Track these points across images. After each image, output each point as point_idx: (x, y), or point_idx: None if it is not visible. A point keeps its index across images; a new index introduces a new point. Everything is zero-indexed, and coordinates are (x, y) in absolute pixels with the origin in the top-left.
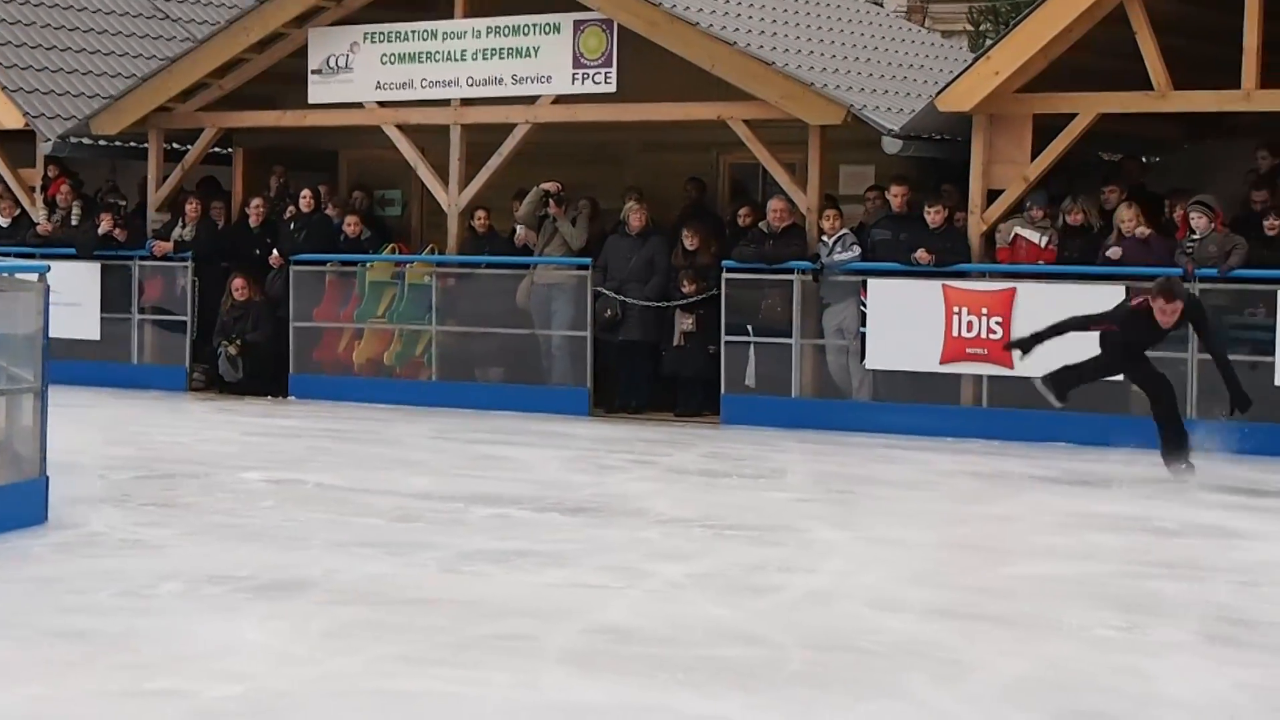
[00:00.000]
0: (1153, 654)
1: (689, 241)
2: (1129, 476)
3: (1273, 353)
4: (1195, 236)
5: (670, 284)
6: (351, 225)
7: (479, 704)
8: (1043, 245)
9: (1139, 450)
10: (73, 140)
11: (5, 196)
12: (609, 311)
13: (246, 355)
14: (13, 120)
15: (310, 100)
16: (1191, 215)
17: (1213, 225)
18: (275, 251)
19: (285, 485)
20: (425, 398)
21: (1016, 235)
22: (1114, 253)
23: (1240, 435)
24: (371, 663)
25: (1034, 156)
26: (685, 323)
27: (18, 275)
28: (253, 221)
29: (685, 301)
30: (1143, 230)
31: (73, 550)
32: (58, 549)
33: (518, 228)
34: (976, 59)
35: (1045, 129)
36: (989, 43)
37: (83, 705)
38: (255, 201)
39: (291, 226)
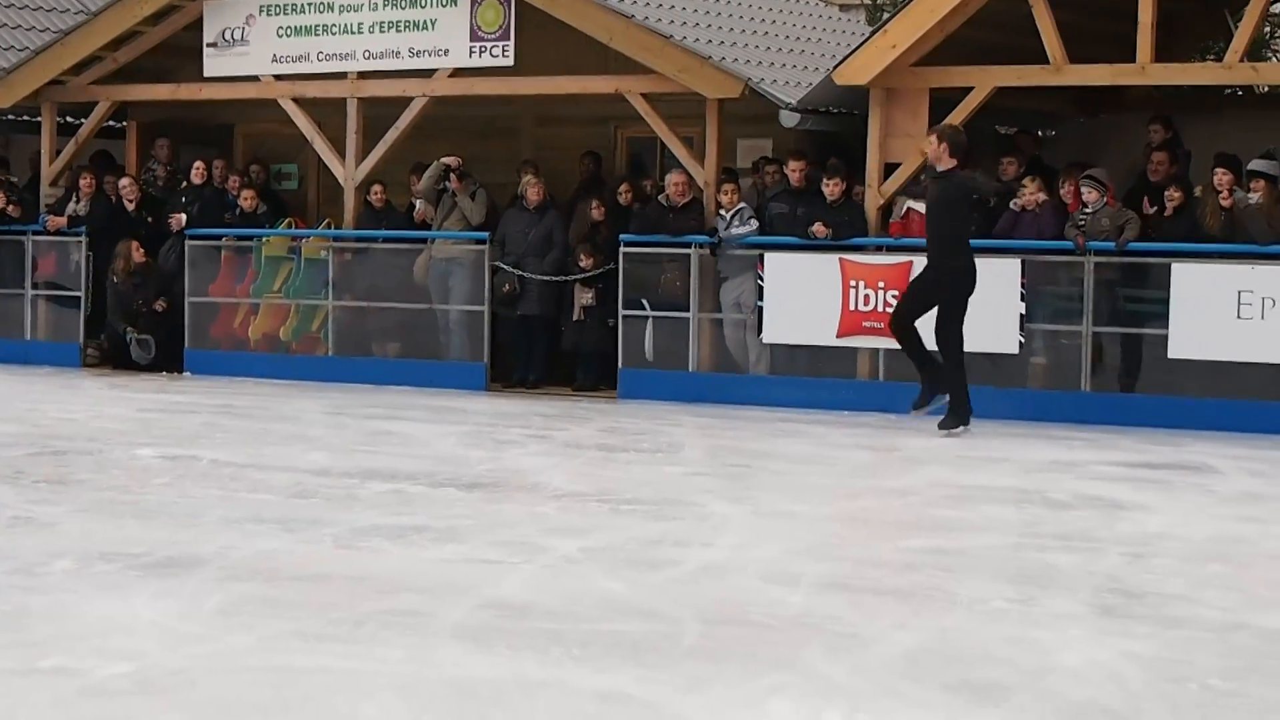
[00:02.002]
0: (1045, 625)
1: (596, 213)
2: (1022, 449)
3: (1165, 325)
4: (1087, 210)
5: (569, 258)
6: (247, 199)
7: (373, 680)
8: None
9: (1033, 424)
10: None
11: None
12: (507, 286)
13: (159, 328)
14: None
15: (206, 73)
16: (1083, 189)
17: (1104, 199)
18: (182, 215)
19: (179, 462)
20: (322, 373)
21: (909, 208)
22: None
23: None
24: (265, 640)
25: (930, 129)
26: (585, 297)
27: None
28: (129, 202)
29: (584, 276)
30: (1041, 197)
31: None
32: None
33: (416, 202)
34: (873, 33)
35: (942, 103)
36: (886, 16)
37: None
38: (124, 182)
39: (184, 200)
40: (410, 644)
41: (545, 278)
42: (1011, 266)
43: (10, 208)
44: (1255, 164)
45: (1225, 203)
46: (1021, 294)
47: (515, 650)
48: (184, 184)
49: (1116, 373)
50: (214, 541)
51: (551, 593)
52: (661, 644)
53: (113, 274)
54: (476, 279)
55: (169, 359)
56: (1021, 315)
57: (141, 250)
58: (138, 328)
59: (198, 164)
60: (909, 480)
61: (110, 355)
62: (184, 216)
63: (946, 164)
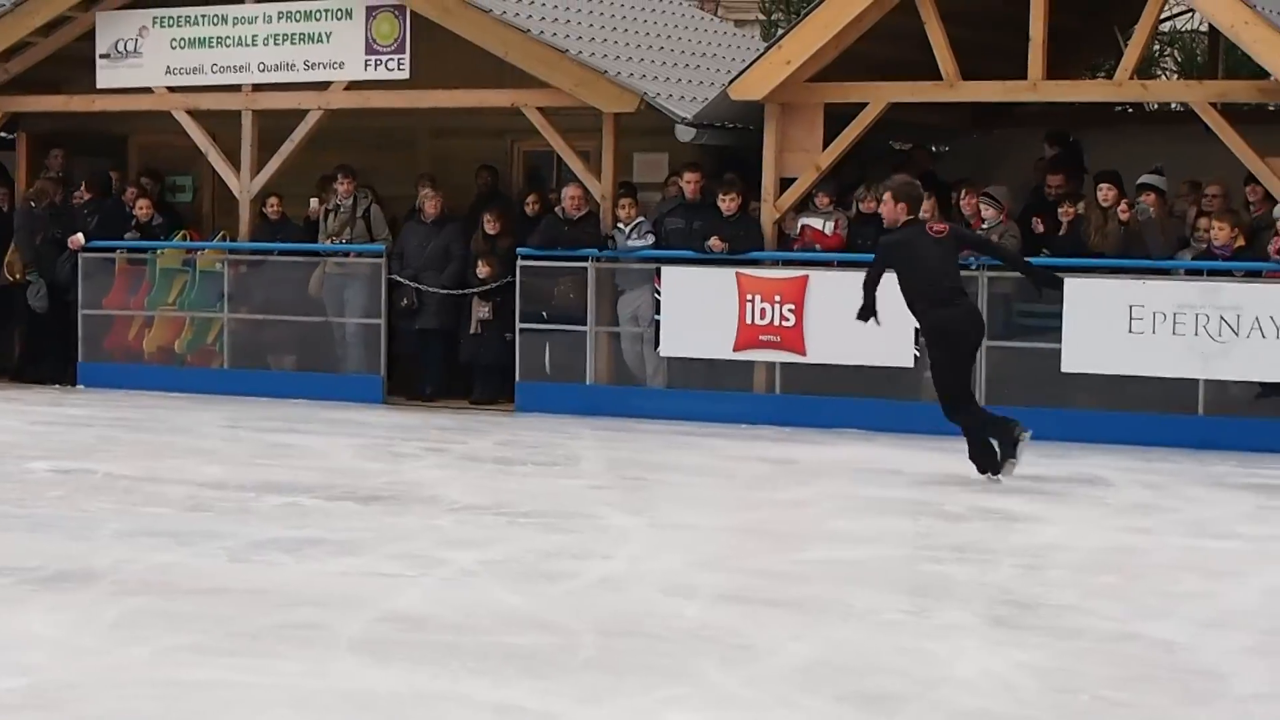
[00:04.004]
0: (939, 636)
1: (490, 226)
2: (918, 462)
3: (1059, 340)
4: (985, 227)
5: (468, 271)
6: (142, 209)
7: (270, 693)
8: (827, 231)
9: (927, 436)
10: None
11: None
12: (405, 300)
13: (59, 270)
14: None
15: (99, 85)
16: (982, 206)
17: (1000, 217)
18: (79, 234)
19: (73, 475)
20: (217, 385)
21: (803, 225)
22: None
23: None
24: (161, 653)
25: (826, 145)
26: (482, 310)
27: None
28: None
29: (482, 289)
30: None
31: None
32: None
33: (312, 200)
34: (768, 48)
35: (837, 118)
36: (781, 32)
37: None
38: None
39: (85, 212)
40: (307, 657)
41: (443, 291)
42: None
43: None
44: (1145, 178)
45: (1123, 217)
46: None
47: (413, 663)
48: (84, 196)
49: (1010, 386)
50: (109, 555)
51: (449, 605)
52: (559, 656)
53: (30, 200)
54: (373, 292)
55: (62, 371)
56: (916, 330)
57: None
58: (36, 263)
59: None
60: (805, 492)
61: (3, 368)
62: (81, 237)
63: (905, 217)
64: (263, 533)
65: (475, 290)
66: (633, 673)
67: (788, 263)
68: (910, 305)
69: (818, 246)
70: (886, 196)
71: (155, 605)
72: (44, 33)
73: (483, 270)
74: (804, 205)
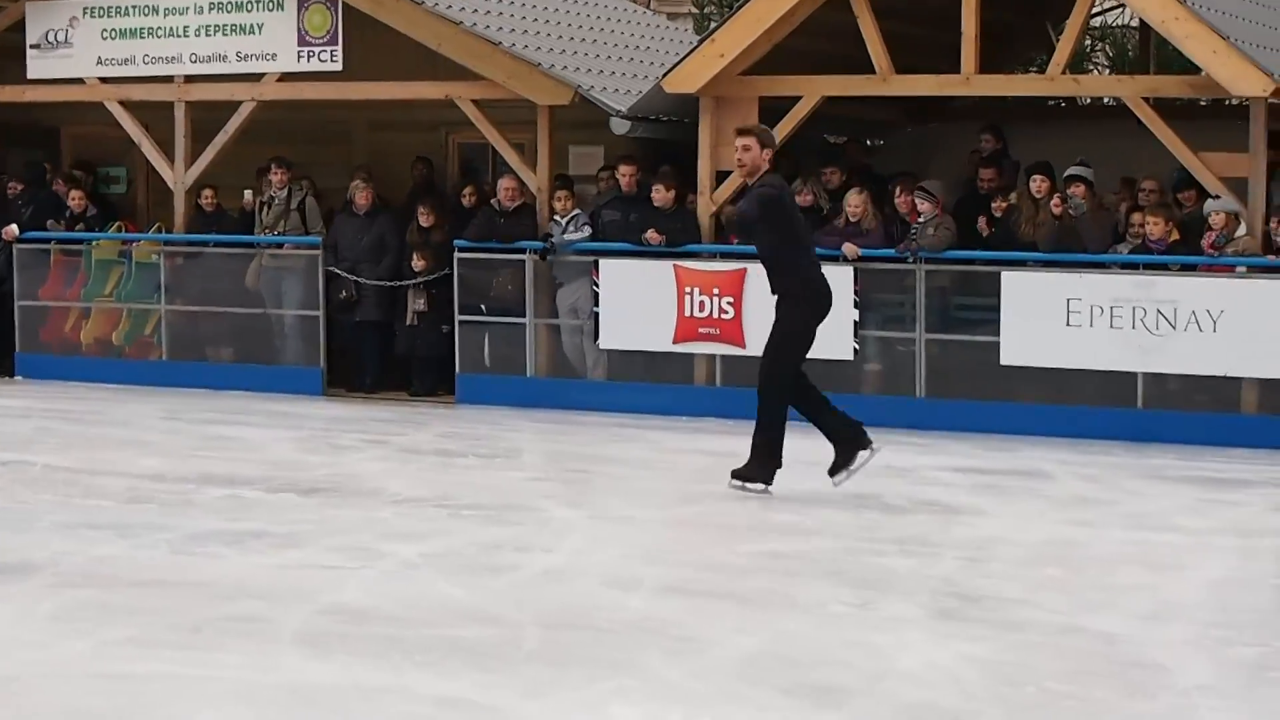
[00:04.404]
0: (883, 629)
1: (424, 219)
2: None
3: (997, 333)
4: (921, 220)
5: (403, 263)
6: (76, 200)
7: (212, 686)
8: None
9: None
10: None
11: None
12: (344, 292)
13: None
14: None
15: (29, 75)
16: (917, 200)
17: (935, 210)
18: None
19: (11, 467)
20: (155, 377)
21: None
22: (850, 250)
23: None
24: (101, 646)
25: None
26: (417, 302)
27: None
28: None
29: (418, 281)
30: (869, 222)
31: None
32: None
33: (246, 192)
34: (701, 41)
35: (771, 111)
36: (713, 25)
37: None
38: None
39: (19, 203)
40: (249, 650)
41: (380, 283)
42: (844, 275)
43: None
44: (1073, 170)
45: (1056, 210)
46: (855, 301)
47: (355, 656)
48: (17, 188)
49: (950, 379)
50: (48, 547)
51: (391, 598)
52: (502, 649)
53: None
54: (310, 284)
55: None
56: (855, 323)
57: None
58: None
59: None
60: None
61: None
62: (15, 228)
63: (768, 166)
64: (204, 525)
65: (411, 282)
66: (577, 665)
67: (725, 255)
68: (792, 267)
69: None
70: (749, 142)
71: (96, 598)
72: None
73: (418, 263)
74: (739, 198)
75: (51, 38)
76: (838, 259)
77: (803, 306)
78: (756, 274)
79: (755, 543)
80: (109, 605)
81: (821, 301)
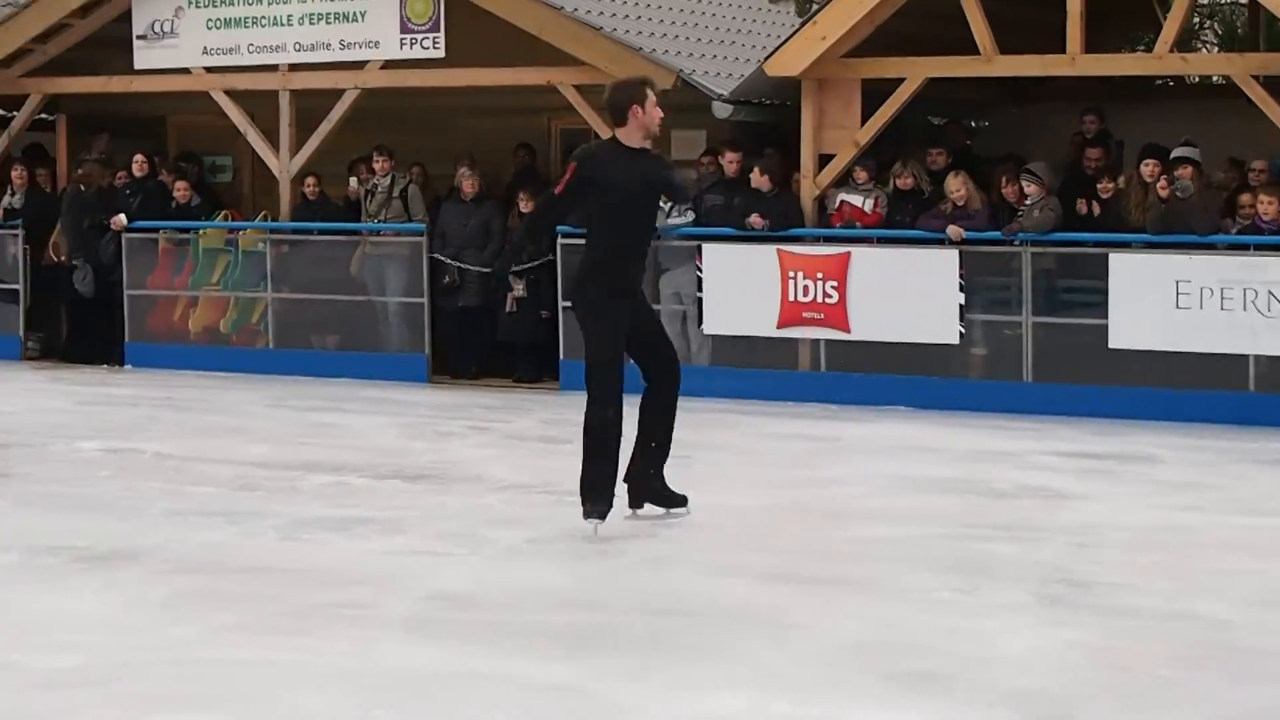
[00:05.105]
0: (989, 615)
1: (525, 205)
2: (964, 439)
3: (1105, 316)
4: (1028, 203)
5: (506, 249)
6: (181, 191)
7: (317, 672)
8: (867, 209)
9: (973, 414)
10: None
11: None
12: (447, 278)
13: (102, 251)
14: None
15: (136, 66)
16: (1024, 182)
17: (1041, 192)
18: (121, 215)
19: (122, 454)
20: (262, 365)
21: (842, 201)
22: (955, 232)
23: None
24: (210, 632)
25: (864, 121)
26: (516, 289)
27: None
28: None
29: (521, 268)
30: (975, 203)
31: None
32: None
33: (351, 180)
34: (803, 24)
35: (874, 93)
36: (815, 8)
37: None
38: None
39: (127, 193)
40: (355, 636)
41: (483, 269)
42: (949, 258)
43: None
44: (1180, 151)
45: (1163, 194)
46: (960, 285)
47: (460, 642)
48: (124, 177)
49: (1058, 363)
50: (158, 534)
51: (496, 584)
52: (607, 635)
53: (79, 184)
54: (414, 271)
55: (109, 351)
56: (960, 306)
57: (111, 175)
58: (82, 248)
59: (138, 157)
60: (850, 470)
61: (52, 347)
62: (124, 218)
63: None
64: (310, 512)
65: (514, 269)
66: (681, 651)
67: (828, 239)
68: (607, 257)
69: (857, 223)
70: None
71: (204, 584)
72: (81, 14)
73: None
74: (842, 181)
75: (157, 28)
76: (943, 241)
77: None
78: (860, 258)
79: (859, 528)
80: (217, 591)
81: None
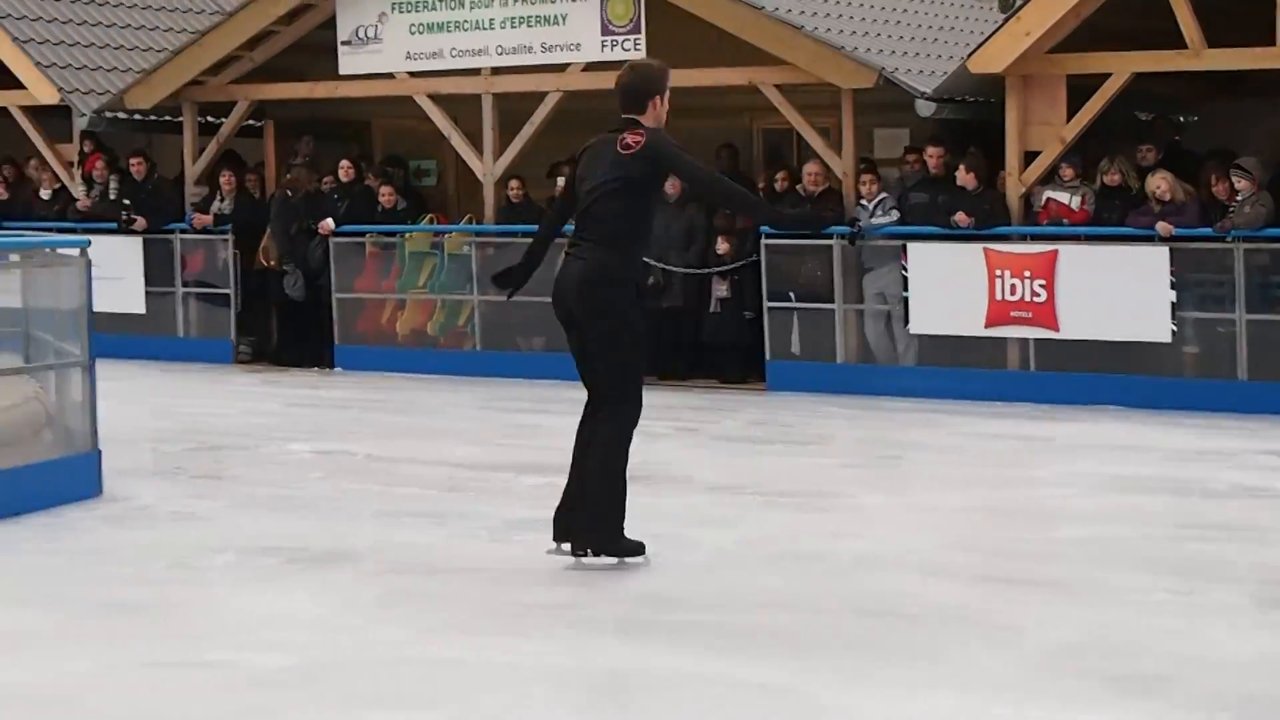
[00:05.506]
0: (1209, 617)
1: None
2: (1178, 438)
3: None
4: (1239, 199)
5: (709, 250)
6: (386, 195)
7: (531, 673)
8: (1074, 206)
9: (1187, 413)
10: (107, 115)
11: (46, 169)
12: (651, 280)
13: (309, 256)
14: (48, 96)
15: (341, 71)
16: (1234, 178)
17: (1252, 187)
18: (329, 220)
19: (333, 456)
20: (469, 367)
21: (1048, 198)
22: (1164, 229)
23: None
24: (423, 632)
25: (1069, 117)
26: (720, 289)
27: (60, 250)
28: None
29: (724, 268)
30: (1180, 197)
31: (125, 523)
32: (110, 522)
33: (558, 180)
34: (1007, 20)
35: (1080, 89)
36: (1019, 3)
37: (137, 675)
38: (344, 163)
39: (335, 198)
40: (568, 636)
41: (688, 270)
42: (1160, 255)
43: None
44: None
45: None
46: (1171, 282)
47: (672, 642)
48: (331, 182)
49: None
50: (370, 535)
51: (706, 585)
52: (818, 636)
53: (287, 189)
54: None
55: (318, 354)
56: (1172, 304)
57: (318, 180)
58: (291, 253)
59: (344, 162)
60: (1061, 470)
61: (261, 352)
62: (331, 222)
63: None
64: (520, 513)
65: (716, 270)
66: (894, 653)
67: (1035, 237)
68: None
69: (1064, 220)
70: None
71: (416, 585)
72: (286, 21)
73: (722, 246)
74: (1048, 179)
75: (361, 34)
76: (1153, 238)
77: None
78: (1068, 255)
79: (1071, 529)
80: (428, 592)
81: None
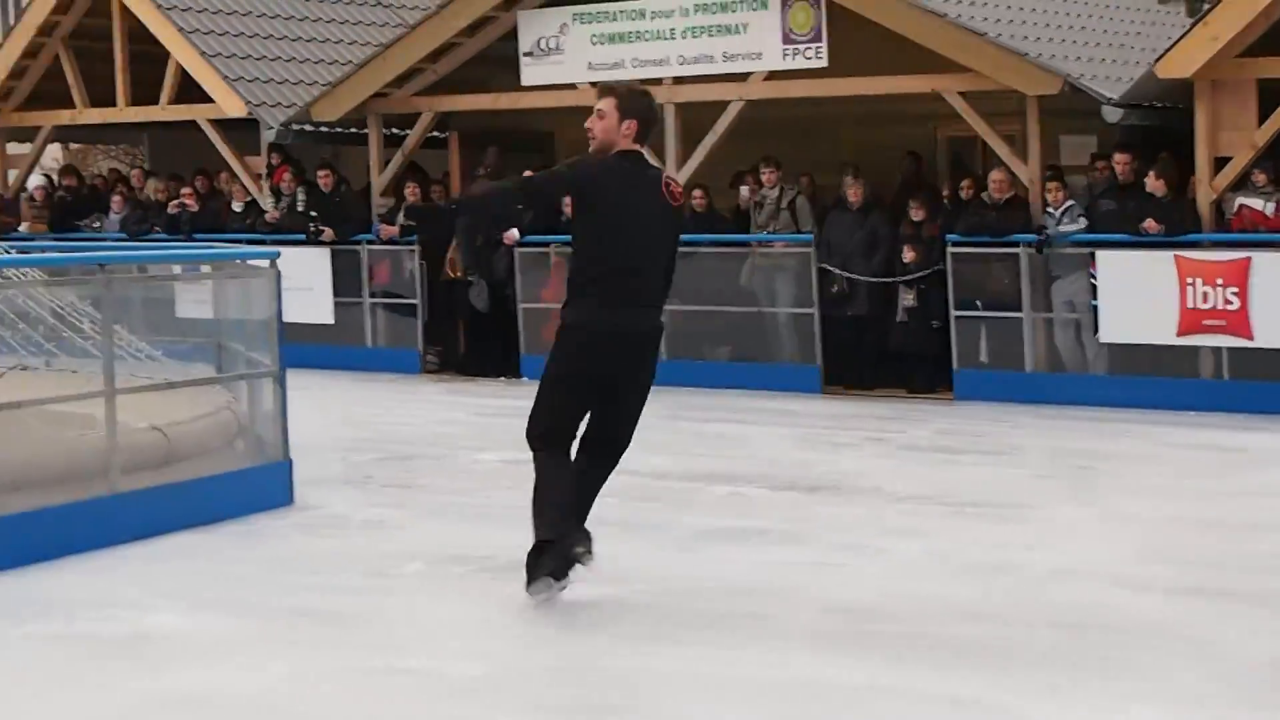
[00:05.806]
0: None
1: (915, 213)
2: None
3: None
4: None
5: (894, 258)
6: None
7: (720, 682)
8: (1268, 212)
9: None
10: (294, 128)
11: (236, 181)
12: (835, 287)
13: (495, 266)
14: (236, 109)
15: (523, 82)
16: None
17: None
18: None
19: (521, 466)
20: (657, 377)
21: (1241, 205)
22: None
23: None
24: (613, 641)
25: (1261, 122)
26: (906, 298)
27: (250, 261)
28: None
29: (910, 278)
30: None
31: (317, 531)
32: (303, 530)
33: (743, 189)
34: (1194, 24)
35: (1271, 93)
36: (1207, 8)
37: (331, 683)
38: (527, 173)
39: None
40: (760, 647)
41: (874, 279)
42: None
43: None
44: None
45: None
46: None
47: (864, 654)
48: None
49: None
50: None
51: (898, 596)
52: (1013, 649)
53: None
54: (803, 281)
55: (505, 363)
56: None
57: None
58: (477, 264)
59: (527, 173)
60: (1259, 480)
61: (449, 361)
62: (516, 233)
63: (629, 145)
64: (709, 523)
65: (901, 279)
66: (1092, 667)
67: (1227, 245)
68: (585, 282)
69: (1259, 227)
70: (606, 106)
71: (607, 594)
72: (468, 33)
73: (908, 255)
74: (1240, 184)
75: (543, 45)
76: None
77: (574, 335)
78: (1262, 263)
79: (1272, 541)
80: (619, 601)
81: (596, 338)
